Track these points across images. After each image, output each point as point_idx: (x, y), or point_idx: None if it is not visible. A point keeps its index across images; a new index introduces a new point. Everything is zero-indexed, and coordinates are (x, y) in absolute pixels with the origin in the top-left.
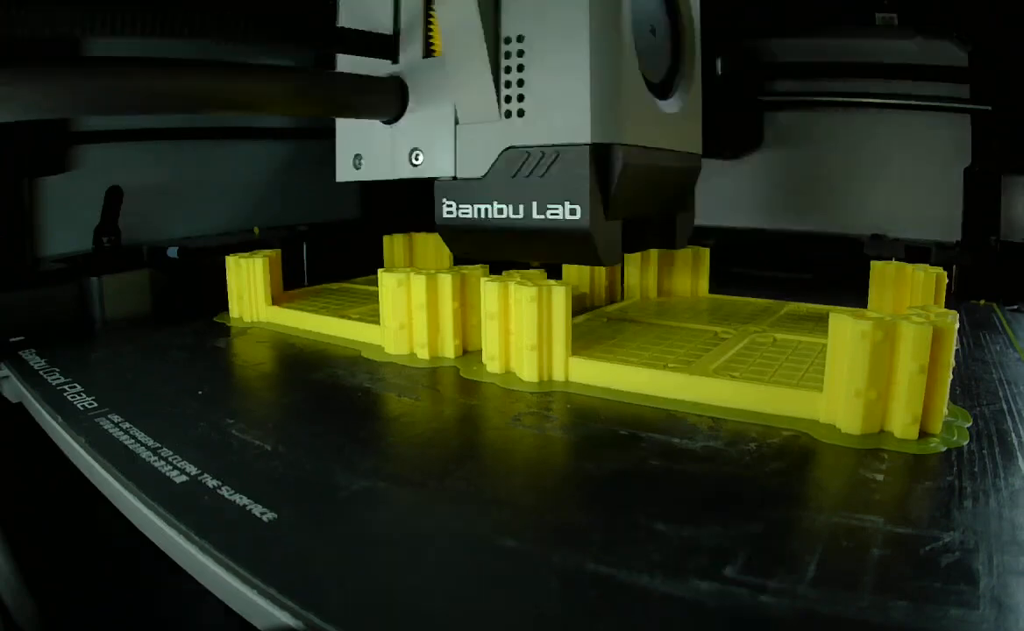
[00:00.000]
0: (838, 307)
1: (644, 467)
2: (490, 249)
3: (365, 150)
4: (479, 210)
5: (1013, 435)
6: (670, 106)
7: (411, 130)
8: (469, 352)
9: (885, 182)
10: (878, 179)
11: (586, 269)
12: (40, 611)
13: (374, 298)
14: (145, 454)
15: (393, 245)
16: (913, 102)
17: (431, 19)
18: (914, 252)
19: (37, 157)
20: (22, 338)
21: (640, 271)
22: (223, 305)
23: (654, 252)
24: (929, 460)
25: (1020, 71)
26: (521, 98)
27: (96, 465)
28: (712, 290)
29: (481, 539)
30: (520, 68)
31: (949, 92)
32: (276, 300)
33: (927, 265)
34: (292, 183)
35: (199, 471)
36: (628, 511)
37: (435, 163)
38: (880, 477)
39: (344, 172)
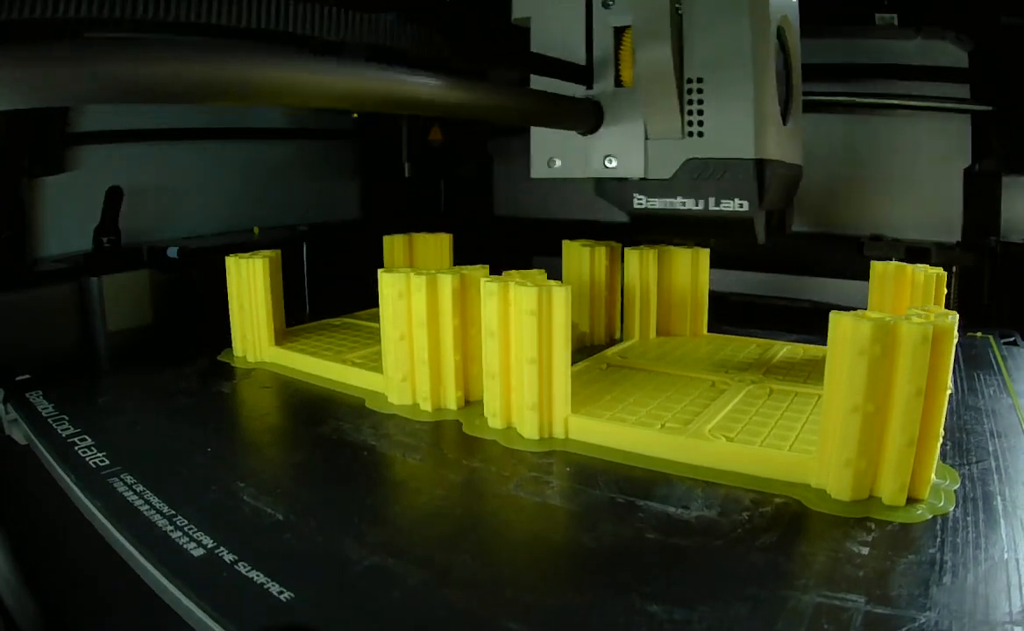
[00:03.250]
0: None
1: (640, 541)
2: (672, 231)
3: (560, 154)
4: (666, 202)
5: (998, 498)
6: (788, 129)
7: (605, 140)
8: (471, 402)
9: (885, 182)
10: (878, 179)
11: (585, 305)
12: (41, 612)
13: (376, 336)
14: (161, 522)
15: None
16: (913, 102)
17: (619, 58)
18: (914, 252)
19: (37, 157)
20: (28, 376)
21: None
22: (223, 307)
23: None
24: (914, 530)
25: (1020, 71)
26: (701, 123)
27: (115, 532)
28: (712, 293)
29: (486, 622)
30: (700, 102)
31: (949, 92)
32: (279, 338)
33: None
34: (292, 183)
35: (215, 543)
36: (625, 591)
37: (627, 166)
38: (865, 551)
39: (538, 171)
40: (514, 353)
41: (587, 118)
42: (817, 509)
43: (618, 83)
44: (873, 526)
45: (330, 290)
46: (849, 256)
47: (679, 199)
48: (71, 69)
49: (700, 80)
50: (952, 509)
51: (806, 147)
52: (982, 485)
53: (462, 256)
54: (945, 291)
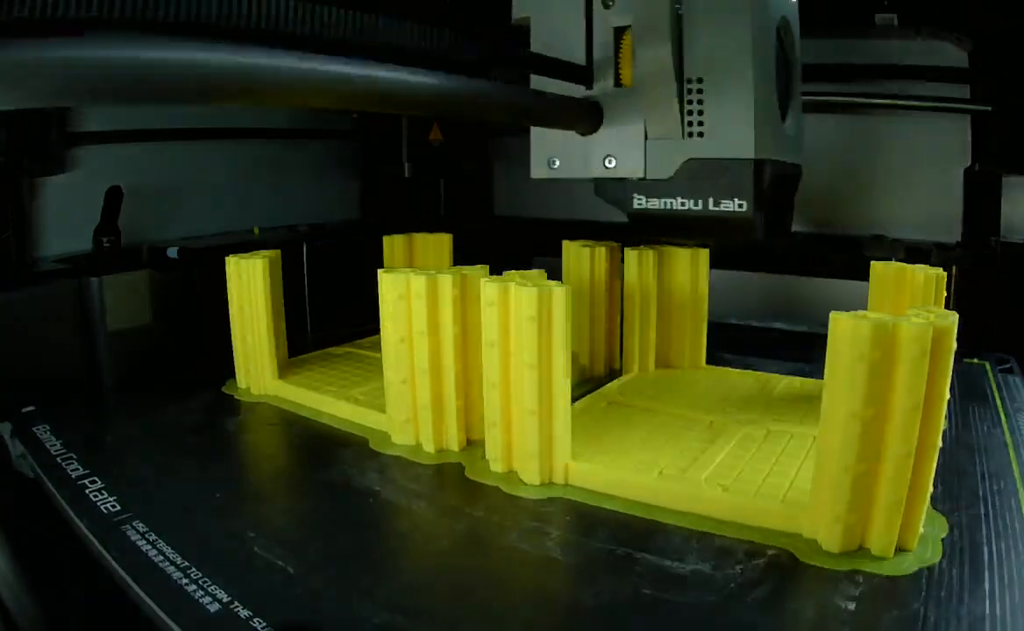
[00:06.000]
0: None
1: (637, 597)
2: (671, 231)
3: (560, 154)
4: (665, 202)
5: (985, 547)
6: (788, 129)
7: (605, 140)
8: (473, 442)
9: (885, 182)
10: (878, 179)
11: (585, 338)
12: (41, 612)
13: (378, 367)
14: (176, 574)
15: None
16: (913, 102)
17: (619, 58)
18: (914, 253)
19: (37, 157)
20: (32, 408)
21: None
22: (223, 307)
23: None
24: (900, 583)
25: (1020, 71)
26: (701, 123)
27: (132, 583)
28: (713, 289)
29: None
30: (700, 102)
31: (949, 92)
32: (282, 369)
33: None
34: (292, 183)
35: (230, 598)
36: None
37: (627, 166)
38: (852, 605)
39: (539, 171)
40: (515, 402)
41: (586, 118)
42: (807, 561)
43: (618, 83)
44: (861, 579)
45: (330, 291)
46: (849, 256)
47: (678, 199)
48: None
49: (700, 80)
50: (939, 560)
51: (806, 147)
52: (970, 533)
53: (462, 256)
54: (945, 292)
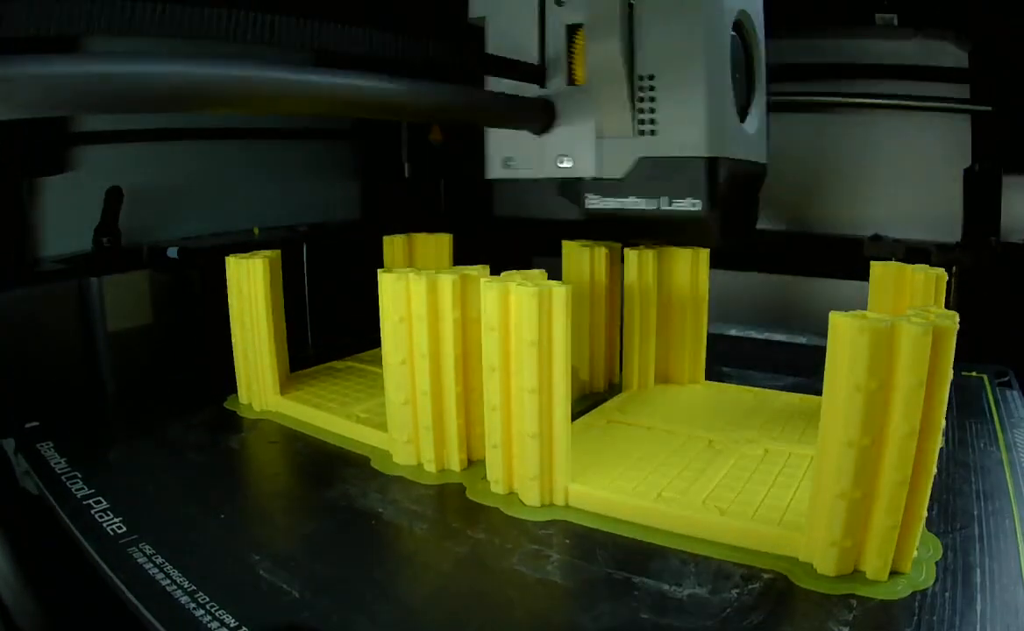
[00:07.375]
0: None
1: (636, 622)
2: (627, 231)
3: (515, 153)
4: (619, 202)
5: (977, 570)
6: (748, 126)
7: (558, 139)
8: (474, 462)
9: (885, 182)
10: (878, 179)
11: (585, 350)
12: (41, 611)
13: (380, 383)
14: (184, 599)
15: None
16: (913, 102)
17: (571, 56)
18: (914, 253)
19: (37, 157)
20: (36, 424)
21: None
22: (223, 308)
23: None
24: (893, 608)
25: (1020, 71)
26: (653, 122)
27: (142, 608)
28: (712, 290)
29: None
30: (652, 99)
31: (949, 92)
32: (284, 385)
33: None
34: (292, 183)
35: (237, 623)
36: None
37: (580, 166)
38: (845, 630)
39: (494, 171)
40: (516, 425)
41: (539, 117)
42: (803, 585)
43: (571, 82)
44: (855, 604)
45: (330, 291)
46: (849, 256)
47: (631, 199)
48: None
49: (652, 77)
50: (932, 584)
51: (805, 147)
52: (963, 556)
53: (462, 256)
54: (945, 292)
